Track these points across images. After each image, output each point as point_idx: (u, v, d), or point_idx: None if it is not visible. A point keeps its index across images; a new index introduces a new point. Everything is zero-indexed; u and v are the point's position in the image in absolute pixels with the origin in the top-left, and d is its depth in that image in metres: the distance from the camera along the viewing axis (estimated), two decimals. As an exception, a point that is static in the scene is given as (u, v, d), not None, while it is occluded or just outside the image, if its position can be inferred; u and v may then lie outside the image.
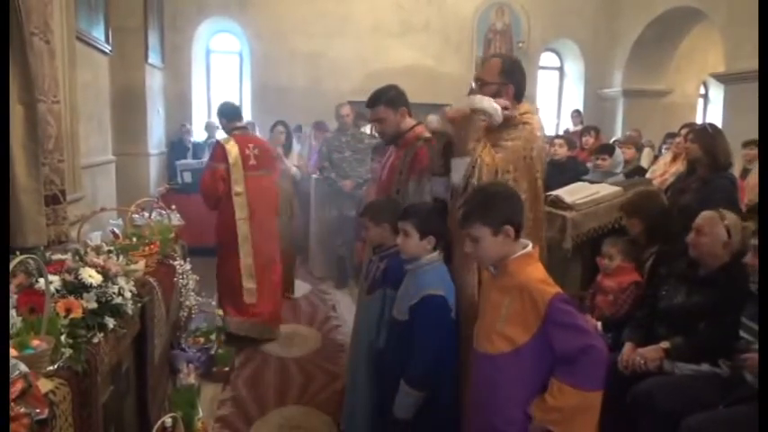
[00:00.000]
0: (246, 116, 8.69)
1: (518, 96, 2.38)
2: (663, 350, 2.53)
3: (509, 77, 2.36)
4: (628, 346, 2.63)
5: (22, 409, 1.31)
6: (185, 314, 3.48)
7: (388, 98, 2.84)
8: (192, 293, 3.44)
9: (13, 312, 1.66)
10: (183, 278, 3.22)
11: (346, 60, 8.66)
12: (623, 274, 3.12)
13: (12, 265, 1.48)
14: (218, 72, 9.04)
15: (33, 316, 1.68)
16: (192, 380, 3.13)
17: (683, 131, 4.70)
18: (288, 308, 5.13)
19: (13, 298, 1.76)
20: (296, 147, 5.53)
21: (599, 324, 3.01)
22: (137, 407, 2.39)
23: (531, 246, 1.87)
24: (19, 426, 1.30)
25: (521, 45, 9.23)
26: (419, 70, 8.37)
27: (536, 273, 1.80)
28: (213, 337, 3.65)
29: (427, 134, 2.89)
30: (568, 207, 3.48)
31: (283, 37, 8.45)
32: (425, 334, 2.12)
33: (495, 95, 2.32)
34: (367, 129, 5.92)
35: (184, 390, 3.02)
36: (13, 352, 1.46)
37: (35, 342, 1.55)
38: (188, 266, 3.35)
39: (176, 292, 3.18)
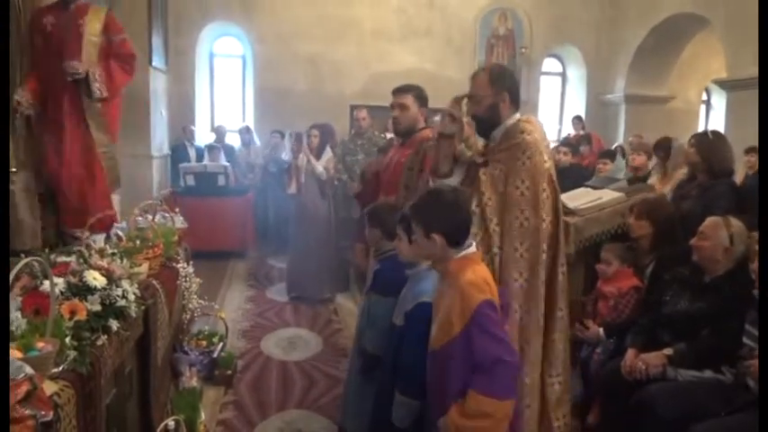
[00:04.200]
0: (249, 119, 8.74)
1: (515, 101, 2.36)
2: (665, 356, 2.53)
3: (501, 85, 2.34)
4: (630, 352, 2.63)
5: (28, 411, 1.32)
6: (188, 317, 3.49)
7: (418, 93, 3.07)
8: (195, 296, 3.45)
9: (18, 314, 1.66)
10: (185, 281, 3.24)
11: (348, 64, 8.69)
12: (623, 279, 3.12)
13: (17, 267, 1.48)
14: (222, 75, 9.07)
15: (38, 318, 1.69)
16: (194, 383, 3.14)
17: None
18: (289, 311, 5.14)
19: (19, 300, 1.76)
20: (328, 150, 5.50)
21: (601, 330, 3.01)
22: (140, 409, 2.40)
23: (473, 247, 1.94)
24: (24, 427, 1.30)
25: (523, 51, 9.25)
26: (421, 74, 8.35)
27: (471, 275, 1.85)
28: (216, 340, 3.65)
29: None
30: (571, 212, 3.48)
31: (286, 41, 8.48)
32: (416, 342, 2.10)
33: (491, 107, 2.33)
34: (388, 135, 5.88)
35: (187, 392, 3.02)
36: (18, 354, 1.46)
37: (40, 344, 1.55)
38: (191, 269, 3.36)
39: (179, 294, 3.19)
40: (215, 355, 3.55)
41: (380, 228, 2.50)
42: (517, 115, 2.36)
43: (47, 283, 1.71)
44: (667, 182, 4.24)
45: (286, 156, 6.45)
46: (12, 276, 1.45)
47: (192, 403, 2.91)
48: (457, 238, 1.90)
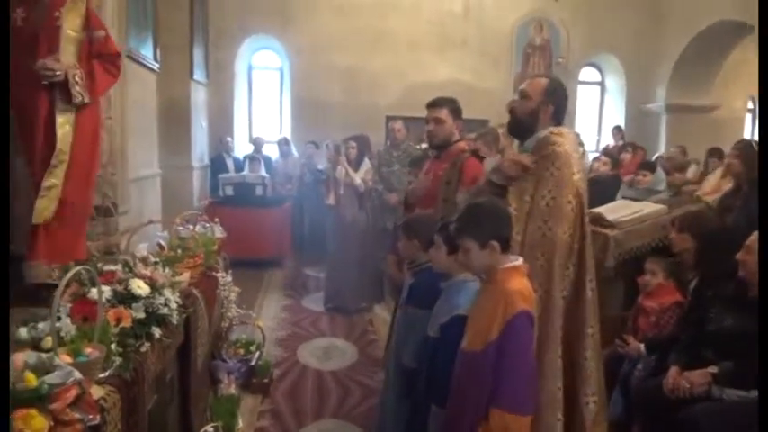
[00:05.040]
0: (286, 131, 8.88)
1: (557, 118, 2.39)
2: (710, 375, 2.45)
3: (551, 97, 2.36)
4: (673, 370, 2.56)
5: (77, 415, 1.37)
6: (226, 325, 3.55)
7: (453, 106, 3.10)
8: (234, 305, 3.51)
9: (67, 320, 1.74)
10: (224, 290, 3.29)
11: (384, 76, 8.75)
12: (665, 294, 3.04)
13: (68, 275, 1.55)
14: (260, 87, 9.25)
15: (86, 324, 1.75)
16: (232, 390, 3.19)
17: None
18: (325, 320, 5.17)
19: (67, 306, 1.84)
20: (366, 162, 5.55)
21: (642, 346, 2.93)
22: (180, 415, 2.44)
23: (520, 260, 1.99)
24: (73, 430, 1.35)
25: (560, 61, 9.14)
26: (456, 85, 8.35)
27: (519, 285, 1.91)
28: (253, 348, 3.70)
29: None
30: (611, 225, 3.42)
31: (322, 53, 8.59)
32: (451, 355, 2.07)
33: (533, 113, 2.36)
34: (424, 145, 5.90)
35: (225, 399, 3.08)
36: (68, 359, 1.52)
37: (88, 350, 1.61)
38: (229, 278, 3.42)
39: (218, 303, 3.25)
40: (252, 363, 3.60)
41: (418, 239, 2.51)
42: (550, 127, 2.36)
43: (94, 291, 1.78)
44: (727, 183, 4.10)
45: (322, 165, 6.51)
46: (63, 284, 1.51)
47: (230, 410, 2.96)
48: (508, 242, 1.97)
